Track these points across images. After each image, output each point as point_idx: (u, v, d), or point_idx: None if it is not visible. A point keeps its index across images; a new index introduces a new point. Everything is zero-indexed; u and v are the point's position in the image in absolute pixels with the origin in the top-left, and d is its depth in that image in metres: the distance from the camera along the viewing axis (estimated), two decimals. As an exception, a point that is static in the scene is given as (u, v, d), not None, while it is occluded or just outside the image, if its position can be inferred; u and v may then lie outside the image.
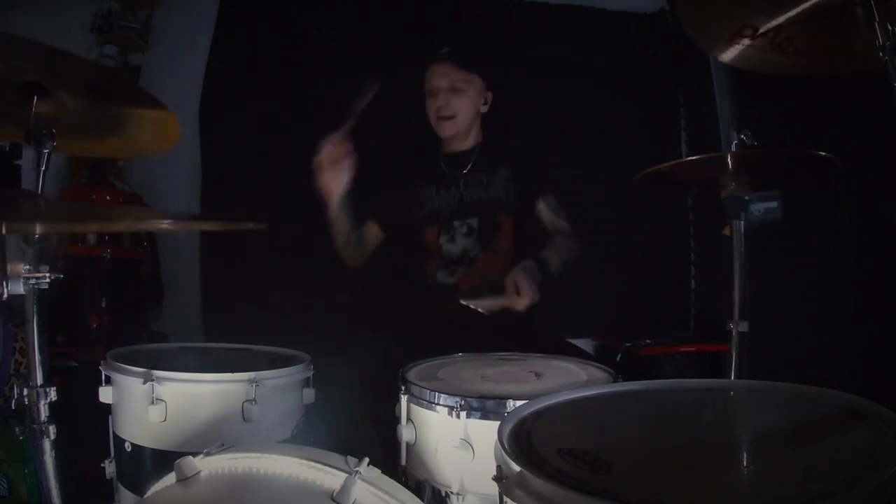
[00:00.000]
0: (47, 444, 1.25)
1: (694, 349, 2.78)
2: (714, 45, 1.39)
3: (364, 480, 0.95)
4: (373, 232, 2.16)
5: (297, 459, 0.99)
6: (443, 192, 2.13)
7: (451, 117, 2.09)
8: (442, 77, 2.09)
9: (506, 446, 0.85)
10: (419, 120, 2.18)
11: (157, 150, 1.53)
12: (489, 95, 2.17)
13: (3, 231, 1.14)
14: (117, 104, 1.32)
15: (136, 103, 1.34)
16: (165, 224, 1.27)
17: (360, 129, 1.96)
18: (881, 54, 1.12)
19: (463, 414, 1.18)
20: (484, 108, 2.17)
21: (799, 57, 1.36)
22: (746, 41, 1.34)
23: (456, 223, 2.10)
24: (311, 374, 1.58)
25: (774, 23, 1.28)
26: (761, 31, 1.31)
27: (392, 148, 2.33)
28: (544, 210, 2.13)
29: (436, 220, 2.11)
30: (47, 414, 1.26)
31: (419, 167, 2.20)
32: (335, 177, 1.93)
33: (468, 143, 2.18)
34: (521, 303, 1.79)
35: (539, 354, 1.61)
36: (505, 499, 0.80)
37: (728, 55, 1.40)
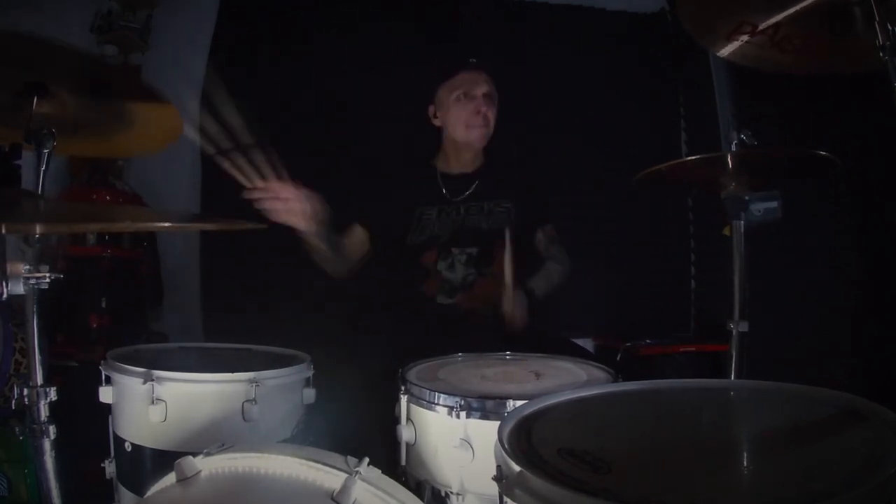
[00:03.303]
0: (47, 444, 1.25)
1: (694, 349, 2.77)
2: (713, 41, 1.39)
3: (364, 480, 0.95)
4: (357, 238, 2.07)
5: (297, 459, 0.99)
6: (443, 216, 2.08)
7: (484, 126, 2.03)
8: (482, 83, 2.03)
9: (506, 446, 0.85)
10: (418, 123, 2.15)
11: (160, 144, 1.52)
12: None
13: (3, 231, 1.14)
14: (118, 99, 1.32)
15: (137, 98, 1.33)
16: (165, 224, 1.27)
17: (356, 128, 1.94)
18: (881, 54, 1.12)
19: (463, 414, 1.18)
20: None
21: (798, 55, 1.36)
22: (745, 38, 1.34)
23: (455, 250, 2.05)
24: (311, 374, 1.58)
25: (773, 20, 1.28)
26: (760, 28, 1.31)
27: (388, 153, 2.30)
28: (542, 240, 2.14)
29: (434, 244, 2.06)
30: (47, 414, 1.26)
31: (418, 183, 2.13)
32: (298, 218, 1.75)
33: (468, 164, 2.12)
34: (516, 325, 1.86)
35: (539, 354, 1.61)
36: (505, 499, 0.80)
37: (726, 51, 1.40)
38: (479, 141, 2.07)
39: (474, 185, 2.10)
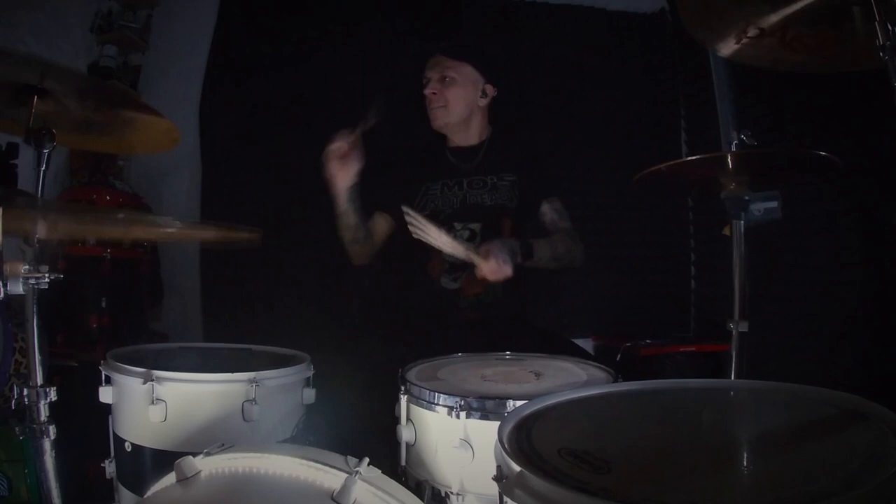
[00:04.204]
0: (47, 444, 1.25)
1: (694, 349, 2.77)
2: (722, 45, 1.38)
3: (364, 480, 0.95)
4: (381, 226, 2.12)
5: (297, 459, 0.99)
6: (446, 191, 2.10)
7: (441, 106, 2.07)
8: (432, 67, 2.09)
9: (506, 446, 0.85)
10: (424, 118, 2.16)
11: (157, 150, 1.53)
12: (489, 88, 2.11)
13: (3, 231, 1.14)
14: (116, 109, 1.32)
15: (135, 109, 1.34)
16: (164, 230, 1.28)
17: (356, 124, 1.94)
18: (881, 54, 1.12)
19: (463, 414, 1.18)
20: (483, 102, 2.11)
21: (810, 54, 1.35)
22: (754, 40, 1.34)
23: (457, 225, 2.06)
24: (311, 374, 1.58)
25: (775, 19, 1.28)
26: (767, 29, 1.30)
27: (399, 144, 2.31)
28: (548, 212, 2.12)
29: (435, 219, 2.05)
30: (47, 414, 1.26)
31: (427, 163, 2.17)
32: (342, 170, 1.91)
33: (473, 137, 2.14)
34: (487, 268, 1.77)
35: (539, 354, 1.61)
36: (505, 499, 0.80)
37: (736, 53, 1.39)
38: (438, 122, 2.11)
39: (481, 157, 2.13)
